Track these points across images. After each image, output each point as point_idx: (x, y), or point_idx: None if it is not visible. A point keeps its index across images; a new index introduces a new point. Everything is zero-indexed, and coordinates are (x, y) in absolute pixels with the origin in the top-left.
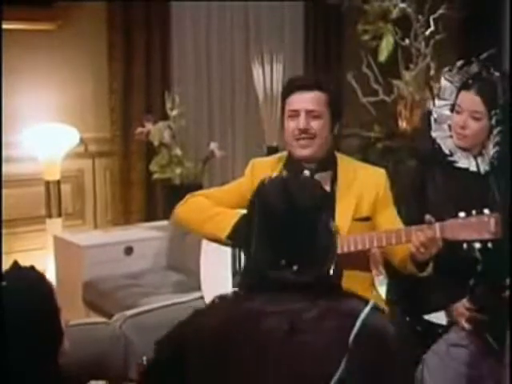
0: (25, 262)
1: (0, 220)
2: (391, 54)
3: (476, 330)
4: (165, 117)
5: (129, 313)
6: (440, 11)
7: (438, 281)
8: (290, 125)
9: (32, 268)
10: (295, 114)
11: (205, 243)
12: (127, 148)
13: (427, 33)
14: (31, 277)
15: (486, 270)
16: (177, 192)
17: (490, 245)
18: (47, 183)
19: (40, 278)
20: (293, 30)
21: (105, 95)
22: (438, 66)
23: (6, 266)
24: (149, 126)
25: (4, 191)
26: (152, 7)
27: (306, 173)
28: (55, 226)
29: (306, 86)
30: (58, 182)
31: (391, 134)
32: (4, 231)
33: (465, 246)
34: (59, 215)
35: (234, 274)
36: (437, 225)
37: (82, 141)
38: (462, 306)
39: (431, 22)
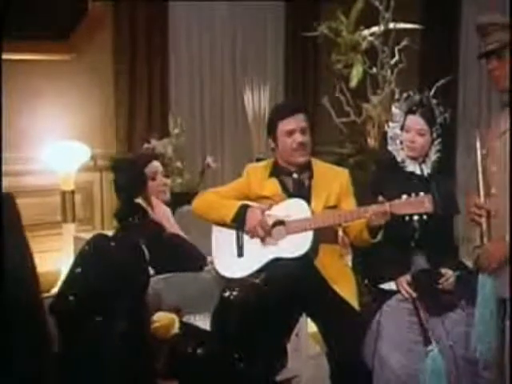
0: (44, 261)
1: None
2: (361, 81)
3: (411, 298)
4: (163, 135)
5: (160, 276)
6: (403, 43)
7: (387, 256)
8: (287, 141)
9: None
10: (292, 132)
11: (214, 228)
12: None
13: (392, 62)
14: (131, 242)
15: (421, 236)
16: (178, 199)
17: (425, 217)
18: (63, 193)
19: (137, 243)
20: (275, 60)
21: (112, 117)
22: (402, 91)
23: None
24: (154, 142)
25: (25, 200)
26: (152, 42)
27: (295, 175)
28: (70, 230)
29: (297, 110)
30: (73, 192)
31: (361, 150)
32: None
33: (406, 218)
34: (73, 221)
35: (238, 248)
36: (386, 203)
37: (91, 156)
38: (405, 280)
39: (396, 53)
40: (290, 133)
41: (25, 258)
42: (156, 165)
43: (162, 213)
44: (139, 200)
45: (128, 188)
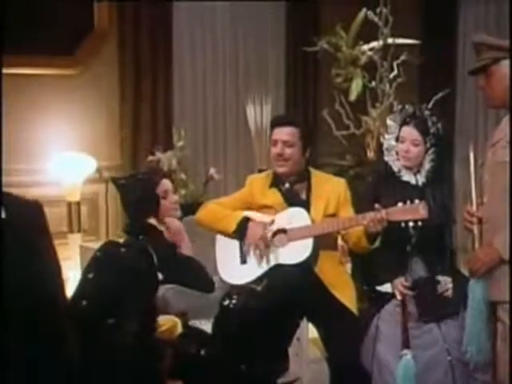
0: None
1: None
2: (360, 94)
3: (403, 301)
4: (167, 147)
5: (168, 286)
6: (402, 58)
7: (384, 261)
8: (272, 150)
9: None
10: (275, 142)
11: (218, 237)
12: None
13: (391, 76)
14: (140, 247)
15: (417, 241)
16: (182, 210)
17: (420, 223)
18: (69, 204)
19: (145, 248)
20: (276, 74)
21: (117, 130)
22: (400, 104)
23: None
24: (159, 154)
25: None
26: (157, 55)
27: (287, 185)
28: (76, 239)
29: (283, 123)
30: (78, 203)
31: (360, 162)
32: None
33: (402, 224)
34: (79, 231)
35: (241, 255)
36: (383, 210)
37: (97, 169)
38: (399, 282)
39: (394, 67)
40: (274, 143)
41: (52, 261)
42: (167, 183)
43: (176, 231)
44: (152, 220)
45: (139, 208)
